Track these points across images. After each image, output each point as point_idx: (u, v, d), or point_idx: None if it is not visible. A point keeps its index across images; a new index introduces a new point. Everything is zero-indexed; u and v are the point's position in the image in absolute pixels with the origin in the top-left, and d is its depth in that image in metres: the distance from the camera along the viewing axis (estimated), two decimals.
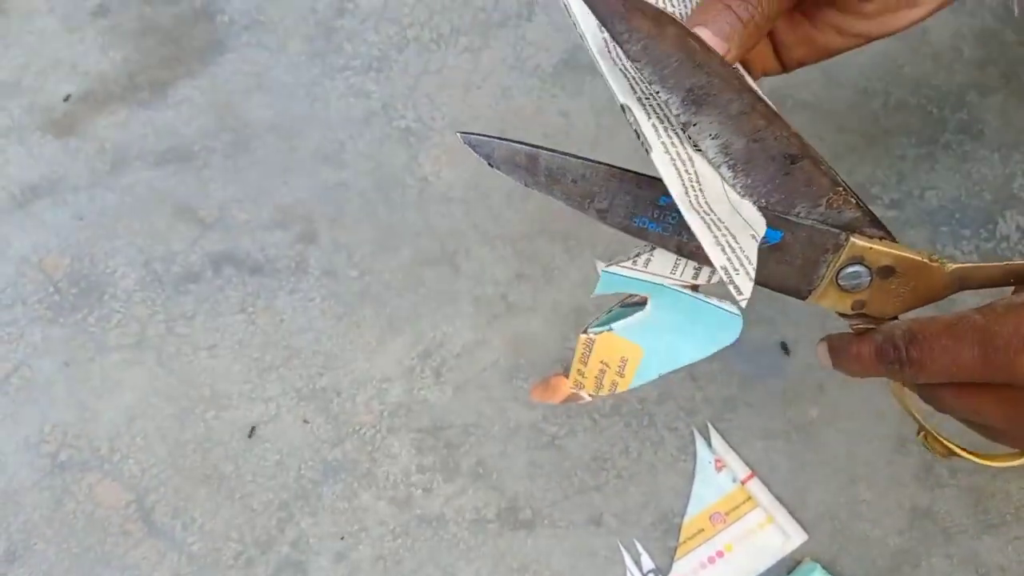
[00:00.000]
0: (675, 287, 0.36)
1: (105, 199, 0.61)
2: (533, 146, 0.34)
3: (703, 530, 0.51)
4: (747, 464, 0.52)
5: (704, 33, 0.35)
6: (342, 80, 0.64)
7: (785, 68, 0.43)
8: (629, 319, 0.37)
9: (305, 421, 0.56)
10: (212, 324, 0.58)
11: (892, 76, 0.62)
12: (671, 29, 0.32)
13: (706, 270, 0.36)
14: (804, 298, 0.36)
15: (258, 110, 0.63)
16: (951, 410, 0.35)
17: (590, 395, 0.39)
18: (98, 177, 0.61)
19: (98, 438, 0.56)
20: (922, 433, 0.39)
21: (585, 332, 0.37)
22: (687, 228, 0.34)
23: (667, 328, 0.37)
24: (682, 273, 0.36)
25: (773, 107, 0.34)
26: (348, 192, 0.61)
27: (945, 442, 0.38)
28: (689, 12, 0.37)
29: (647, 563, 0.51)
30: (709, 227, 0.32)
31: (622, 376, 0.38)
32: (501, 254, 0.59)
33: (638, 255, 0.36)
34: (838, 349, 0.37)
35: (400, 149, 0.62)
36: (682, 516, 0.52)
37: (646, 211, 0.34)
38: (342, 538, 0.53)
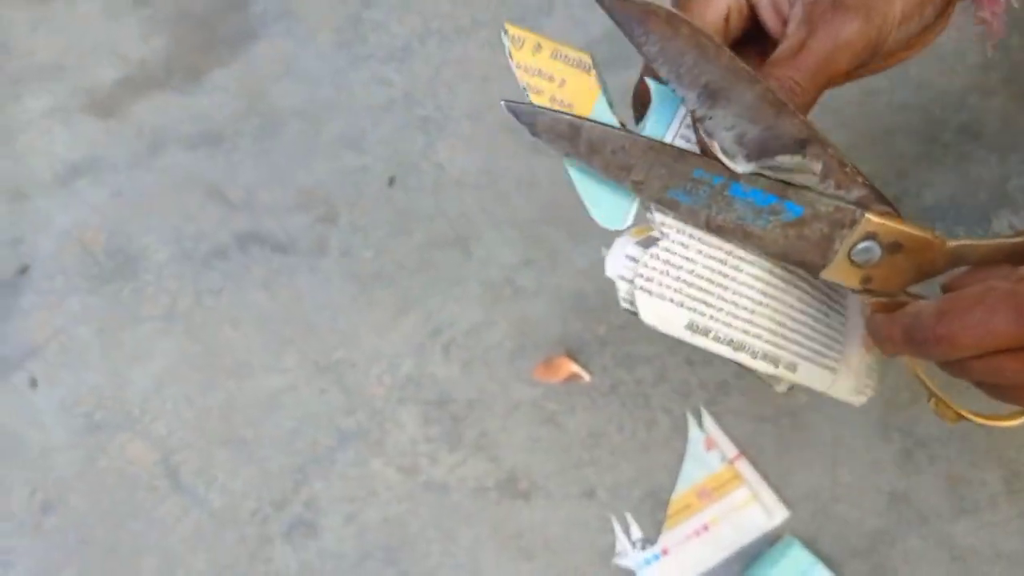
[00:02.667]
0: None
1: (142, 179, 0.65)
2: (576, 116, 0.35)
3: (690, 505, 0.54)
4: (736, 445, 0.55)
5: None
6: (367, 69, 0.67)
7: None
8: (605, 113, 0.36)
9: (321, 391, 0.59)
10: (237, 299, 0.62)
11: (897, 76, 0.64)
12: (684, 29, 0.34)
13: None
14: (817, 274, 0.38)
15: (286, 97, 0.67)
16: (972, 376, 0.36)
17: (514, 62, 0.37)
18: (136, 158, 0.65)
19: (129, 401, 0.60)
20: (932, 399, 0.40)
21: (592, 59, 0.37)
22: (717, 201, 0.36)
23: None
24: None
25: (782, 98, 0.36)
26: (367, 176, 0.64)
27: (956, 408, 0.39)
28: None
29: (636, 533, 0.54)
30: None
31: (552, 101, 0.37)
32: (509, 239, 0.62)
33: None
34: (872, 330, 0.39)
35: (418, 136, 0.65)
36: (671, 492, 0.54)
37: (680, 184, 0.36)
38: (352, 501, 0.57)
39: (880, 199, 0.36)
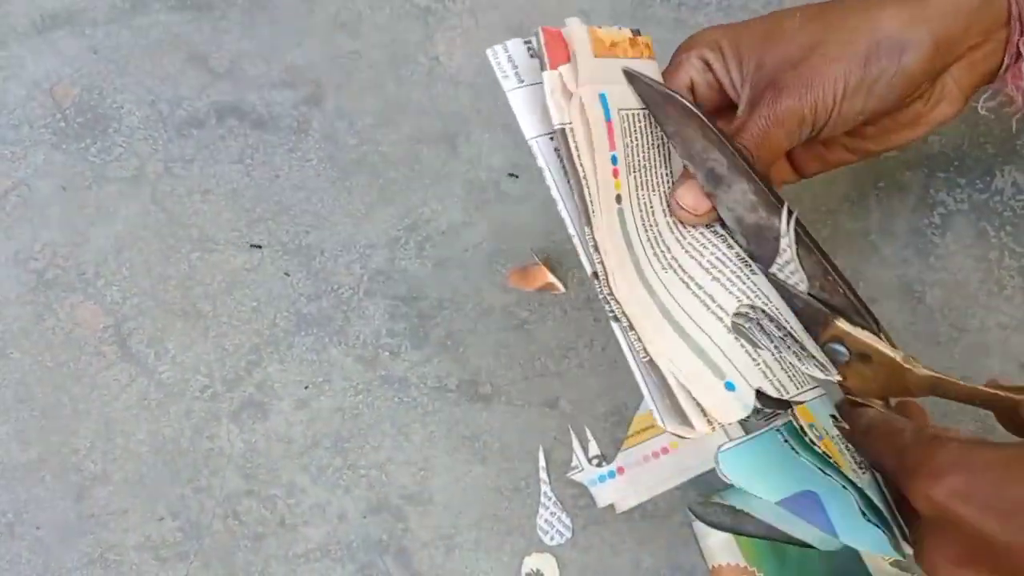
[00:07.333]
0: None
1: (121, 36, 0.62)
2: None
3: (652, 426, 0.52)
4: None
5: None
6: None
7: (802, 176, 0.49)
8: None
9: (286, 274, 0.57)
10: (209, 170, 0.59)
11: None
12: (695, 121, 0.41)
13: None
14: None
15: None
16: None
17: None
18: (117, 14, 0.62)
19: (85, 262, 0.57)
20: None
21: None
22: None
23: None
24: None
25: (779, 195, 0.41)
26: (359, 62, 0.61)
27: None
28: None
29: (593, 449, 0.52)
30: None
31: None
32: (500, 142, 0.59)
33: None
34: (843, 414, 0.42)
35: (417, 27, 0.62)
36: (635, 411, 0.53)
37: None
38: (306, 387, 0.54)
39: (859, 311, 0.40)
